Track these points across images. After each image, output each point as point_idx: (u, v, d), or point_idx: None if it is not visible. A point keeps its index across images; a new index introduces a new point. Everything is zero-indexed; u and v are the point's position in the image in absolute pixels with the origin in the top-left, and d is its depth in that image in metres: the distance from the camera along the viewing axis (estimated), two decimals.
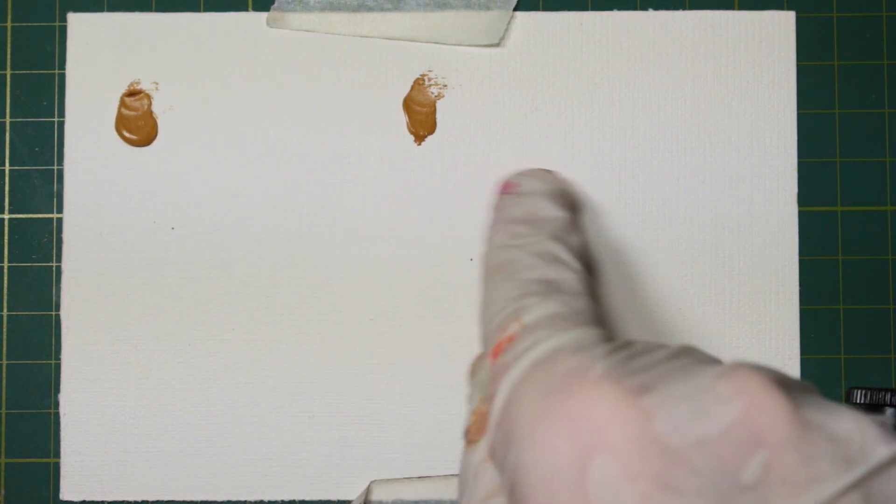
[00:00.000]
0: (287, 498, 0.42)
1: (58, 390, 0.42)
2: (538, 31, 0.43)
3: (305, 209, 0.43)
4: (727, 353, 0.42)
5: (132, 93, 0.43)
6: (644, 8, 0.43)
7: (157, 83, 0.43)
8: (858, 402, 0.39)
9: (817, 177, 0.43)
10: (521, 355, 0.27)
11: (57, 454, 0.42)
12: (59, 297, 0.43)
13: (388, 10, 0.43)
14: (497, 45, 0.43)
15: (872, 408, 0.39)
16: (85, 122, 0.43)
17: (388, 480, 0.42)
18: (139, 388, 0.42)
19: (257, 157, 0.43)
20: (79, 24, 0.43)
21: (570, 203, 0.38)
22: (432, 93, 0.43)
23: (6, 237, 0.43)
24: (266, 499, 0.42)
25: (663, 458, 0.22)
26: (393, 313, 0.43)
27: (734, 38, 0.43)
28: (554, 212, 0.35)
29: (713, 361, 0.26)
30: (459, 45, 0.43)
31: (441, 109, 0.43)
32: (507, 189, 0.37)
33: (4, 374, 0.43)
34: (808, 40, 0.43)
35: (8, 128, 0.43)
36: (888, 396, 0.38)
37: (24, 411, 0.43)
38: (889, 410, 0.39)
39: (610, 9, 0.43)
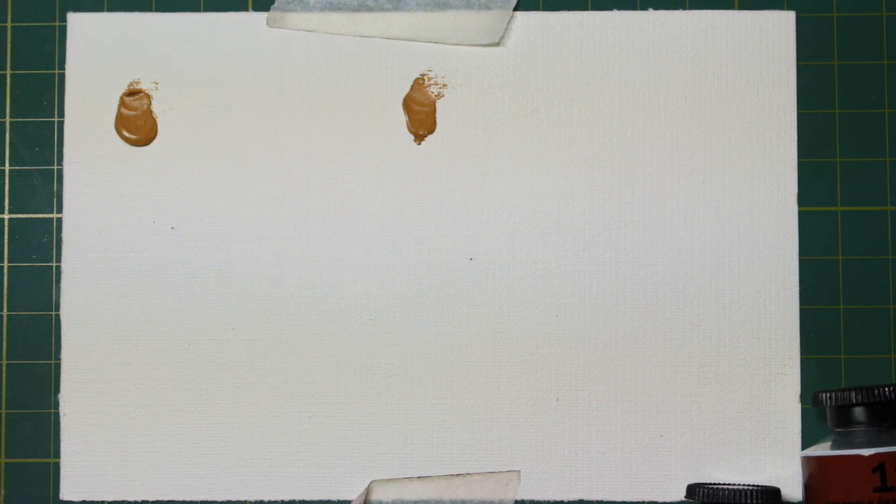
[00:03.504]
0: (287, 498, 0.42)
1: (58, 390, 0.42)
2: (538, 31, 0.43)
3: (305, 209, 0.43)
4: (727, 353, 0.42)
5: (132, 92, 0.43)
6: (644, 8, 0.43)
7: (156, 83, 0.43)
8: (826, 405, 0.38)
9: (817, 177, 0.43)
10: None
11: (57, 454, 0.42)
12: (58, 297, 0.43)
13: (388, 10, 0.43)
14: (497, 44, 0.43)
15: (841, 409, 0.39)
16: (85, 121, 0.43)
17: (388, 480, 0.42)
18: (139, 388, 0.42)
19: (257, 156, 0.43)
20: (79, 24, 0.43)
21: None
22: (432, 92, 0.43)
23: (6, 237, 0.43)
24: (266, 499, 0.42)
25: None
26: (392, 313, 0.43)
27: (734, 38, 0.43)
28: None
29: None
30: (459, 44, 0.43)
31: (441, 109, 0.43)
32: None
33: (4, 374, 0.43)
34: (808, 40, 0.43)
35: (8, 128, 0.43)
36: (854, 395, 0.38)
37: (24, 411, 0.43)
38: (857, 409, 0.38)
39: (610, 9, 0.43)
